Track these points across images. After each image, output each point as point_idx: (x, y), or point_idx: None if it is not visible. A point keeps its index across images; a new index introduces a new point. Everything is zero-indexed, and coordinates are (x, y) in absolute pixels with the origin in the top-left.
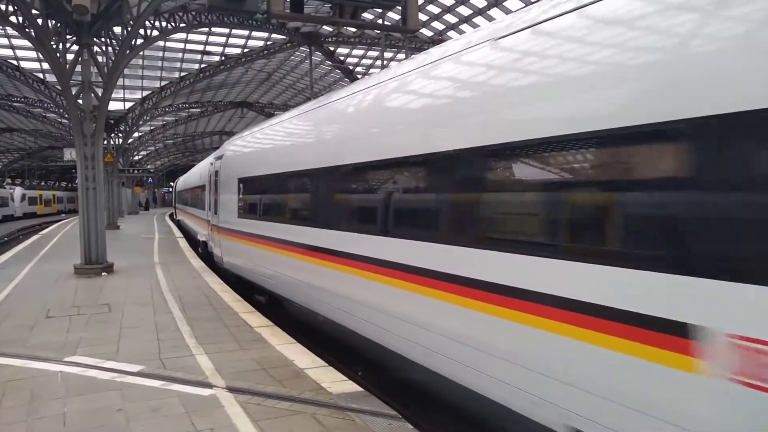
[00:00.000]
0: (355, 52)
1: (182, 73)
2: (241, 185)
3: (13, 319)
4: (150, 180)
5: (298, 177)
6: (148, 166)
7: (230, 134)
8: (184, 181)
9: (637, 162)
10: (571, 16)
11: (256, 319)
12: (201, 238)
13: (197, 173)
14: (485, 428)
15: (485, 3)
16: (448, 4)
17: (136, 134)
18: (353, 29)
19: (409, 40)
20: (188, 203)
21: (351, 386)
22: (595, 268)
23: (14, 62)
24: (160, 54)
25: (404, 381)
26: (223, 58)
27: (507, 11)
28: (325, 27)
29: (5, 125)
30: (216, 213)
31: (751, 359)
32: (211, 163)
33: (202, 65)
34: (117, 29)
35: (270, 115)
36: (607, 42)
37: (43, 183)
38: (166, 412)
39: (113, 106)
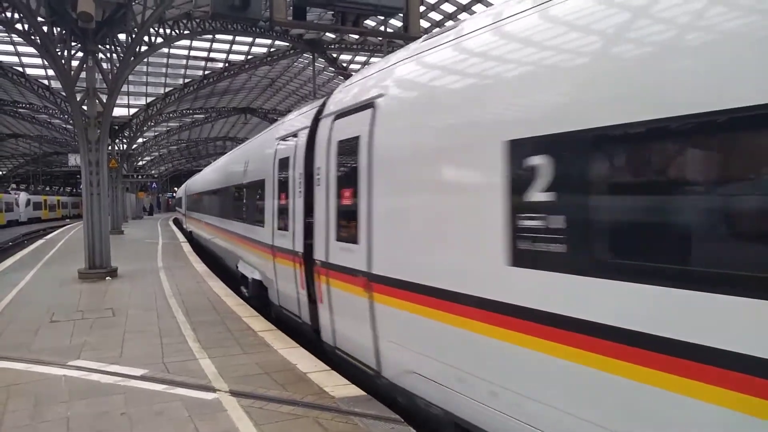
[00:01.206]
0: (358, 58)
1: (186, 80)
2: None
3: (18, 324)
4: (154, 185)
5: None
6: (152, 172)
7: (234, 140)
8: (204, 180)
9: None
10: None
11: (259, 324)
12: (250, 273)
13: (238, 161)
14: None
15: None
16: (450, 11)
17: (140, 140)
18: (356, 36)
19: None
20: (214, 212)
21: (354, 390)
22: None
23: (20, 69)
24: (165, 61)
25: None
26: (226, 64)
27: None
28: (328, 34)
29: (11, 131)
30: (365, 242)
31: None
32: (286, 138)
33: (206, 72)
34: (122, 36)
35: (273, 122)
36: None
37: (47, 188)
38: (169, 416)
39: (118, 112)
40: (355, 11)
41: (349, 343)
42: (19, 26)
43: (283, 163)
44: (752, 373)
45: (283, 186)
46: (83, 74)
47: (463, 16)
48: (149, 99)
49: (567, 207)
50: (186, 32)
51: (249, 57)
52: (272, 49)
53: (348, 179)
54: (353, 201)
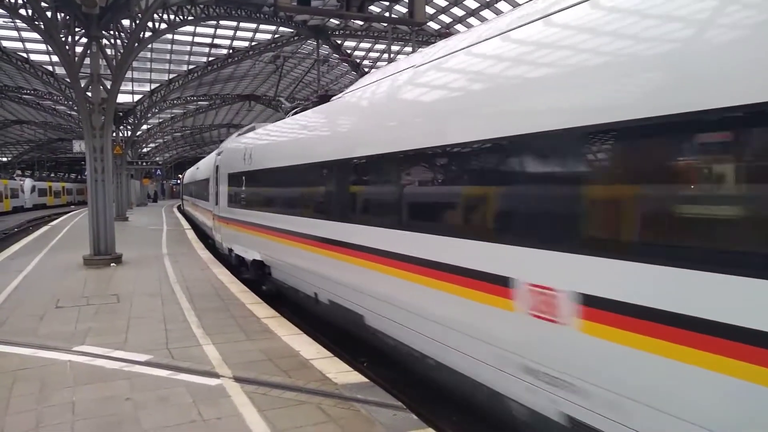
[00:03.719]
0: (362, 45)
1: (190, 66)
2: None
3: (24, 309)
4: (158, 172)
5: None
6: (157, 159)
7: (239, 127)
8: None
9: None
10: None
11: (262, 310)
12: None
13: None
14: (487, 419)
15: None
16: None
17: (144, 127)
18: (360, 22)
19: (416, 33)
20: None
21: (356, 377)
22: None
23: (24, 55)
24: (169, 47)
25: (408, 373)
26: (231, 51)
27: (514, 4)
28: (332, 20)
29: (15, 117)
30: None
31: None
32: None
33: (210, 58)
34: (126, 22)
35: (278, 108)
36: None
37: (52, 174)
38: (173, 401)
39: (122, 98)
40: None
41: None
42: (23, 11)
43: None
44: None
45: None
46: (87, 60)
47: (468, 2)
48: (153, 85)
49: None
50: (190, 18)
51: (253, 43)
52: (276, 36)
53: None
54: None
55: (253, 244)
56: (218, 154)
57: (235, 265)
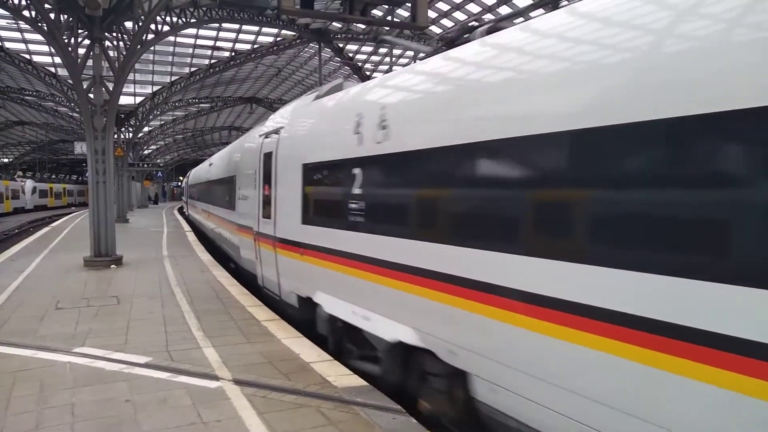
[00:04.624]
0: (364, 48)
1: (192, 69)
2: None
3: (24, 310)
4: (159, 174)
5: None
6: (158, 161)
7: (240, 129)
8: None
9: None
10: None
11: (262, 313)
12: None
13: None
14: (486, 425)
15: (494, 0)
16: (458, 1)
17: (146, 129)
18: (363, 26)
19: (419, 37)
20: None
21: (356, 380)
22: None
23: (27, 56)
24: (171, 49)
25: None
26: (233, 53)
27: (514, 8)
28: (334, 24)
29: (17, 118)
30: None
31: None
32: None
33: (213, 60)
34: (128, 24)
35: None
36: None
37: (53, 176)
38: (173, 403)
39: (124, 100)
40: (363, 0)
41: None
42: (26, 13)
43: None
44: None
45: None
46: (90, 62)
47: (470, 6)
48: (155, 87)
49: None
50: (192, 21)
51: (255, 46)
52: (279, 39)
53: None
54: None
55: (400, 308)
56: (267, 136)
57: (324, 334)
